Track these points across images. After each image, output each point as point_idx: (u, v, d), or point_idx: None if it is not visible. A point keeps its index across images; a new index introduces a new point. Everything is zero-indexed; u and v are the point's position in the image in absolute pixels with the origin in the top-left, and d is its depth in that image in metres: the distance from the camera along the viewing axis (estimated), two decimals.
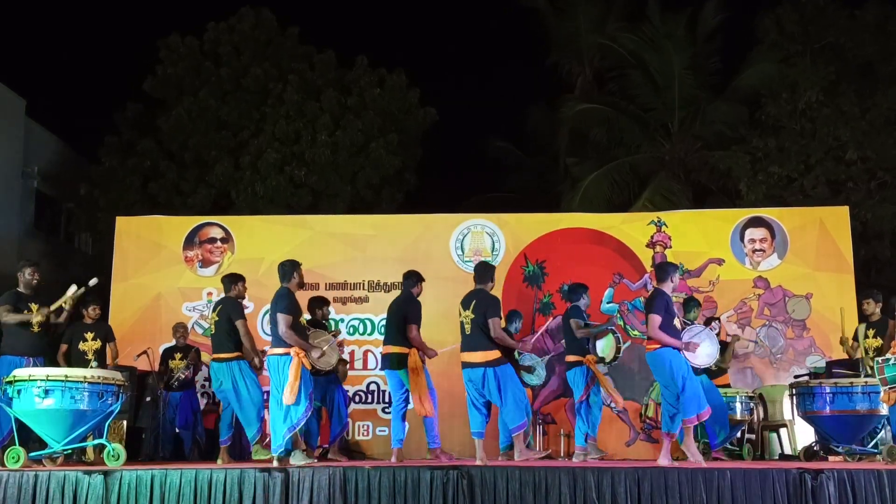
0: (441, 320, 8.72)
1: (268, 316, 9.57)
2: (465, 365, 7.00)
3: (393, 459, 7.28)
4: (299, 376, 6.60)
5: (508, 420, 6.93)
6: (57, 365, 7.73)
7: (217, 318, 7.49)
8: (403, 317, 7.51)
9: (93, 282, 7.62)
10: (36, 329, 7.35)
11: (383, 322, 9.82)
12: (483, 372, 6.85)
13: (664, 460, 6.52)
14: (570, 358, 7.95)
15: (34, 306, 7.37)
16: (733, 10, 16.22)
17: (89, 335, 8.33)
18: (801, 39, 14.51)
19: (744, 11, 15.91)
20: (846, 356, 8.46)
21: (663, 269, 6.95)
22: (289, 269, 6.98)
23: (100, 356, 8.19)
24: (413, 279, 7.73)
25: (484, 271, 7.23)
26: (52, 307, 7.35)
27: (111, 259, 10.27)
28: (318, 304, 8.60)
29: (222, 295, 7.75)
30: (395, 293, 9.78)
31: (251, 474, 5.52)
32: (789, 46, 14.62)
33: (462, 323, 7.02)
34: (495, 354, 6.89)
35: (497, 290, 8.47)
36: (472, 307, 6.96)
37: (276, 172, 14.58)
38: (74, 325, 8.38)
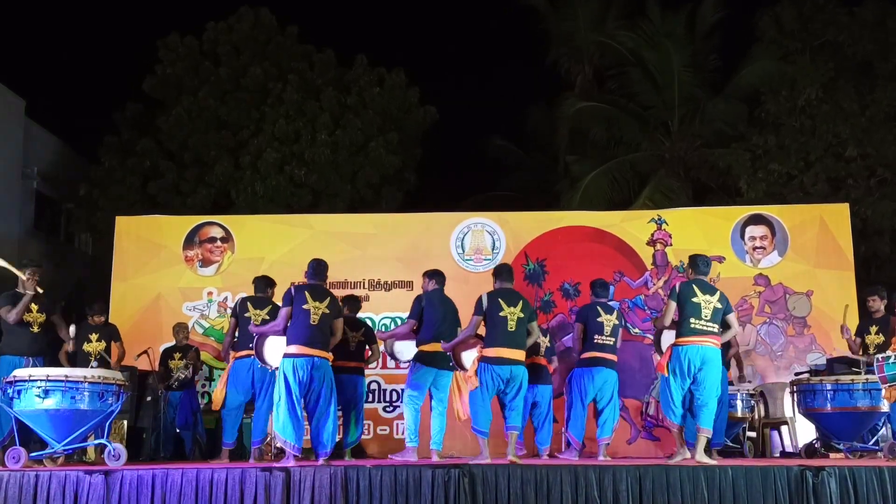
0: None
1: None
2: (504, 361, 6.76)
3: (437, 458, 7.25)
4: None
5: (512, 419, 6.90)
6: (57, 364, 7.71)
7: (268, 319, 7.53)
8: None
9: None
10: (36, 329, 7.35)
11: (384, 321, 9.87)
12: (522, 371, 6.84)
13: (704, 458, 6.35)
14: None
15: (34, 307, 7.38)
16: (732, 7, 16.24)
17: (94, 336, 8.32)
18: (800, 37, 14.49)
19: (743, 9, 15.91)
20: (847, 350, 8.46)
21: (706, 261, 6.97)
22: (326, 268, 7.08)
23: (103, 357, 8.18)
24: (444, 278, 7.66)
25: (511, 272, 7.22)
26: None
27: (111, 259, 10.25)
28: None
29: (244, 295, 8.04)
30: (396, 292, 9.90)
31: (252, 474, 5.51)
32: (788, 44, 14.60)
33: (505, 319, 6.78)
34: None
35: None
36: (520, 306, 6.86)
37: (275, 172, 14.56)
38: (79, 327, 8.36)
